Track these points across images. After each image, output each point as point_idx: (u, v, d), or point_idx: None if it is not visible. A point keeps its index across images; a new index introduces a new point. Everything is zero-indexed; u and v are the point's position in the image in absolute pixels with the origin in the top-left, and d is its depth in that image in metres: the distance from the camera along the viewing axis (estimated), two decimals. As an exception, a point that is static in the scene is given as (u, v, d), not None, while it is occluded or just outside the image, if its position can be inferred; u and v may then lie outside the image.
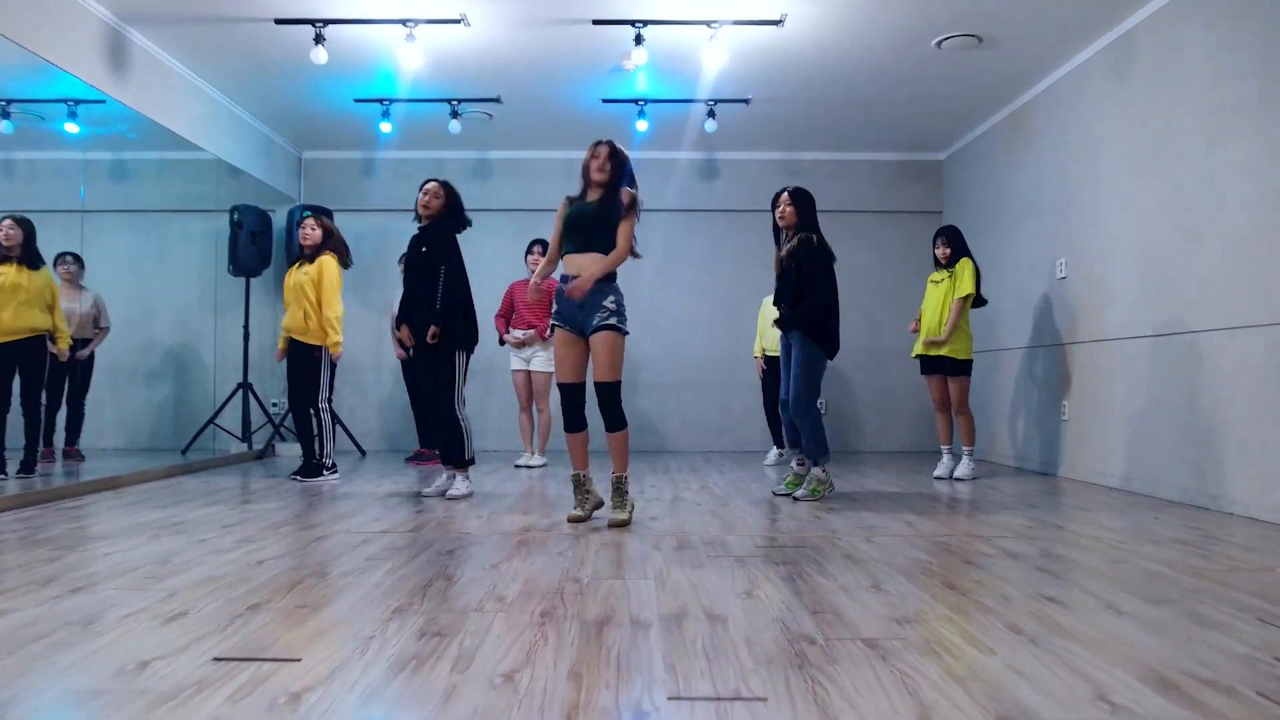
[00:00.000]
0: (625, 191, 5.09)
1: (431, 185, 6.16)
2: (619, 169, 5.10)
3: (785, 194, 6.22)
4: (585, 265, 4.98)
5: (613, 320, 4.98)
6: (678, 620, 3.01)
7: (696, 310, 10.47)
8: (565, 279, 5.05)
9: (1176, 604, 3.26)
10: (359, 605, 3.17)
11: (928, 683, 2.38)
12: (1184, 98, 6.13)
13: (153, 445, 9.40)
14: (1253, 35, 5.48)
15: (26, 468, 6.45)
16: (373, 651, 2.63)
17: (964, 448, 7.34)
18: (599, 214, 5.04)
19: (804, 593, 3.41)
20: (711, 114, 8.64)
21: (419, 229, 6.19)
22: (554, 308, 5.13)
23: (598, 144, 5.14)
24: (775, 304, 6.24)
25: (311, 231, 7.04)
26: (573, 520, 5.09)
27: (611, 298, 5.01)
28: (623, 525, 4.93)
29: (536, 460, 8.30)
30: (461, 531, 4.78)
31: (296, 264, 7.17)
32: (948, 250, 7.26)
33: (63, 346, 6.65)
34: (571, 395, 5.08)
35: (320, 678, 2.40)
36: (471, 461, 6.24)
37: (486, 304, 10.11)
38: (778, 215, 6.20)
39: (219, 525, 4.91)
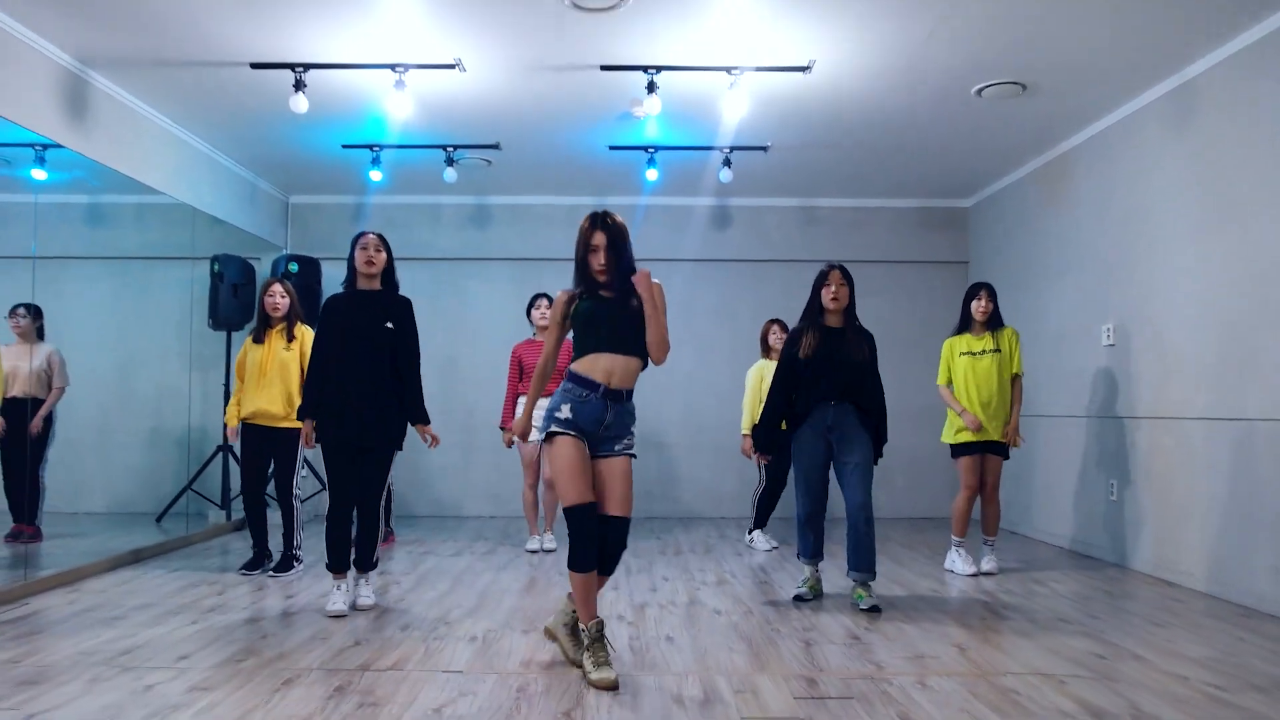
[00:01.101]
0: (643, 275, 4.23)
1: (372, 238, 5.23)
2: (622, 256, 4.22)
3: (837, 272, 5.58)
4: (625, 377, 4.17)
5: (634, 447, 4.24)
6: None
7: (710, 368, 9.84)
8: (583, 380, 4.13)
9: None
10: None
11: None
12: (1258, 151, 5.52)
13: (129, 509, 8.80)
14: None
15: None
16: None
17: (992, 538, 6.67)
18: (631, 311, 4.18)
19: (869, 801, 2.76)
20: (727, 162, 8.02)
21: (353, 291, 5.24)
22: (560, 412, 4.12)
23: (593, 229, 4.21)
24: (822, 396, 5.45)
25: (282, 300, 6.38)
26: (604, 686, 3.89)
27: (634, 420, 4.27)
28: (615, 687, 3.89)
29: (550, 542, 7.50)
30: (450, 670, 4.12)
31: (263, 335, 6.41)
32: (990, 307, 6.57)
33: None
34: (590, 519, 4.03)
35: None
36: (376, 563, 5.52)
37: (481, 364, 9.53)
38: (829, 297, 5.51)
39: (173, 658, 4.26)
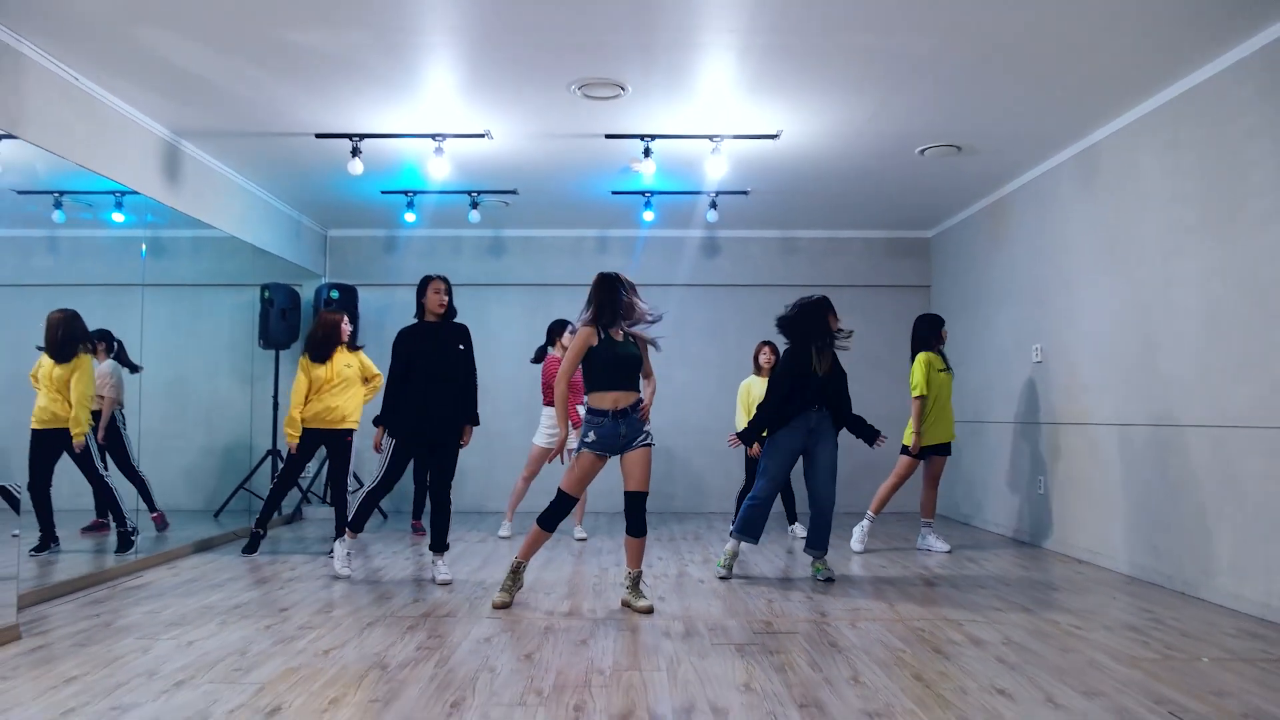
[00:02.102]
0: (642, 333, 5.79)
1: (440, 283, 6.62)
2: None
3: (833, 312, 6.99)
4: (627, 400, 5.62)
5: (650, 439, 5.69)
6: (688, 714, 3.63)
7: (701, 380, 11.10)
8: (596, 411, 5.62)
9: (1107, 697, 3.89)
10: (422, 699, 3.79)
11: (888, 778, 3.01)
12: (1142, 211, 6.80)
13: (188, 507, 10.00)
14: (1200, 163, 6.15)
15: (41, 546, 6.76)
16: (443, 749, 3.25)
17: (932, 521, 8.08)
18: (638, 358, 5.72)
19: (793, 685, 4.04)
20: (714, 205, 9.32)
21: (424, 323, 6.59)
22: (588, 436, 5.59)
23: (622, 287, 5.79)
24: (809, 403, 6.66)
25: (347, 327, 7.62)
26: (500, 606, 5.60)
27: (646, 422, 5.71)
28: (650, 611, 5.52)
29: (580, 533, 8.79)
30: (493, 617, 5.39)
31: (327, 356, 7.53)
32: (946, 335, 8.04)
33: (74, 433, 6.83)
34: (569, 506, 5.68)
35: (406, 774, 3.02)
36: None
37: (500, 378, 10.81)
38: (833, 323, 6.89)
39: (276, 609, 5.53)
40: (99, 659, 4.41)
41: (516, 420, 10.76)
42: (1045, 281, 8.30)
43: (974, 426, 9.74)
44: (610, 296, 5.69)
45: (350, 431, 7.50)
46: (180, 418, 10.04)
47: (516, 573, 5.77)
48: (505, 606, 5.61)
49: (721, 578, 6.69)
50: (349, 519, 6.67)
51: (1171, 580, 6.34)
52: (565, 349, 8.46)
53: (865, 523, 8.08)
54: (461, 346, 6.62)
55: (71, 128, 6.31)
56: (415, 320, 6.66)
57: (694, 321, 11.27)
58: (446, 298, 6.61)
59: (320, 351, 7.50)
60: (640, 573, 5.74)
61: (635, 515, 5.64)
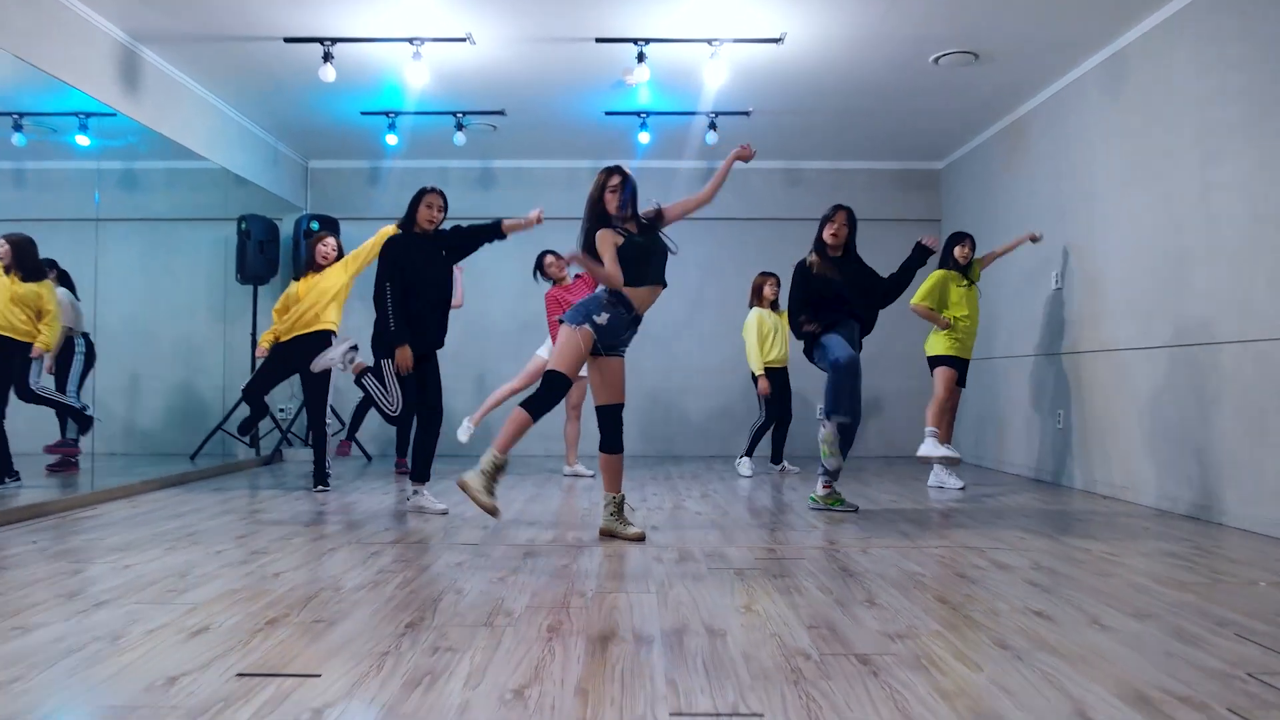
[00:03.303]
0: (649, 212, 5.41)
1: (437, 198, 6.05)
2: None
3: (844, 213, 6.48)
4: (653, 298, 5.15)
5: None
6: (679, 635, 3.14)
7: (698, 319, 10.60)
8: (627, 304, 5.03)
9: (1159, 619, 3.39)
10: (373, 620, 3.30)
11: (916, 699, 2.52)
12: (1176, 115, 6.26)
13: (162, 450, 9.54)
14: (1242, 56, 5.61)
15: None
16: (389, 667, 2.76)
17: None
18: (663, 246, 5.31)
19: (800, 607, 3.55)
20: (713, 126, 8.77)
21: (413, 236, 6.00)
22: (598, 316, 4.97)
23: (610, 174, 5.29)
24: (842, 308, 6.25)
25: (332, 252, 7.31)
26: (462, 486, 4.88)
27: None
28: (641, 539, 5.02)
29: (584, 469, 8.32)
30: (468, 543, 4.91)
31: (305, 276, 7.31)
32: (969, 253, 7.49)
33: (39, 345, 6.84)
34: (564, 389, 5.01)
35: (340, 693, 2.54)
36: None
37: (490, 316, 10.30)
38: (830, 234, 6.39)
39: (232, 537, 5.05)
40: (18, 581, 3.91)
41: (508, 362, 10.21)
42: (1066, 204, 7.77)
43: (986, 363, 9.22)
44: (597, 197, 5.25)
45: (329, 334, 7.14)
46: (153, 357, 9.59)
47: (498, 469, 4.90)
48: (495, 512, 4.90)
49: (816, 508, 6.24)
50: (410, 465, 6.26)
51: (1208, 512, 5.85)
52: (556, 278, 7.95)
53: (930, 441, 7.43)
54: (444, 252, 6.10)
55: (11, 19, 5.76)
56: (400, 229, 6.08)
57: (690, 256, 10.67)
58: (441, 215, 6.06)
59: (300, 270, 7.35)
60: (624, 496, 5.24)
61: (616, 428, 5.12)
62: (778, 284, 8.47)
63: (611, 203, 5.14)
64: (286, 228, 10.24)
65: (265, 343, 7.41)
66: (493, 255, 10.49)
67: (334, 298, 7.21)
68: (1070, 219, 7.69)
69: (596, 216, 5.14)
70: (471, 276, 10.49)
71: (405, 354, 5.84)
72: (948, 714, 2.41)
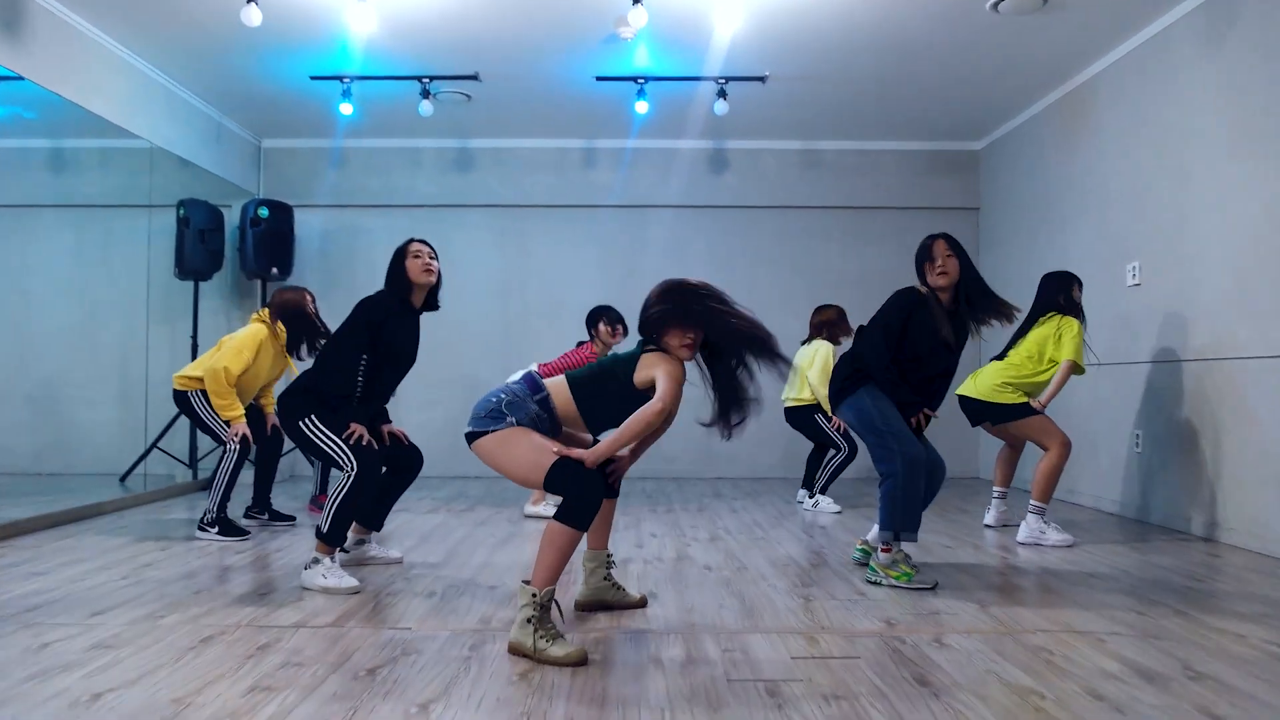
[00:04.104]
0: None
1: (425, 247, 4.61)
2: None
3: (943, 242, 4.62)
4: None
5: None
6: None
7: (704, 320, 9.30)
8: (556, 421, 3.58)
9: None
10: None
11: None
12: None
13: (90, 470, 8.30)
14: None
15: None
16: None
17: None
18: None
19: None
20: (722, 94, 7.47)
21: (405, 307, 4.62)
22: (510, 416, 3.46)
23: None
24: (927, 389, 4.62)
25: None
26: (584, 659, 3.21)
27: None
28: (643, 604, 3.92)
29: (548, 509, 6.81)
30: (399, 627, 3.60)
31: (272, 327, 5.93)
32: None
33: None
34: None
35: None
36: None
37: (464, 317, 8.97)
38: (937, 272, 4.58)
39: (84, 614, 3.74)
40: None
41: (486, 366, 8.94)
42: (1145, 183, 6.47)
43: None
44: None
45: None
46: (80, 363, 8.37)
47: (545, 609, 3.25)
48: (584, 658, 3.18)
49: (874, 582, 4.47)
50: (324, 530, 4.37)
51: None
52: (605, 345, 6.46)
53: (1037, 520, 5.66)
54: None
55: None
56: (384, 292, 4.61)
57: (695, 249, 9.42)
58: (435, 263, 4.62)
59: (293, 342, 5.90)
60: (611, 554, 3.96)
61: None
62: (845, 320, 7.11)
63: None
64: (233, 215, 8.93)
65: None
66: (471, 251, 9.26)
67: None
68: (1152, 202, 6.38)
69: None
70: (447, 273, 9.22)
71: (359, 429, 4.46)
72: None
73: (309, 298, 5.90)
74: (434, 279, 4.61)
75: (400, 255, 4.58)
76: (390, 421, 4.87)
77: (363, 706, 2.70)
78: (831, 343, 7.05)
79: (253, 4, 5.67)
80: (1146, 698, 2.84)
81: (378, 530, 4.90)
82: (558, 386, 3.54)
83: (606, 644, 3.40)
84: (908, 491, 4.38)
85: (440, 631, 3.54)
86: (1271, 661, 3.21)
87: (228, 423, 5.59)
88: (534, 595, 3.21)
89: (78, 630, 3.49)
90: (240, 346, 5.67)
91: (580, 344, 6.43)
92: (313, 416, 4.39)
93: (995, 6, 6.05)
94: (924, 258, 4.60)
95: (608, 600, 3.89)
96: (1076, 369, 5.66)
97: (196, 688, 2.85)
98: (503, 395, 3.45)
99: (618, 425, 3.45)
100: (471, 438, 3.43)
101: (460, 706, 2.72)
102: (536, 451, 3.30)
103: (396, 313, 4.55)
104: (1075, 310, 5.80)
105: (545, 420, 3.47)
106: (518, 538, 5.70)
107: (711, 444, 9.09)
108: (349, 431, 4.37)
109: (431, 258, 4.59)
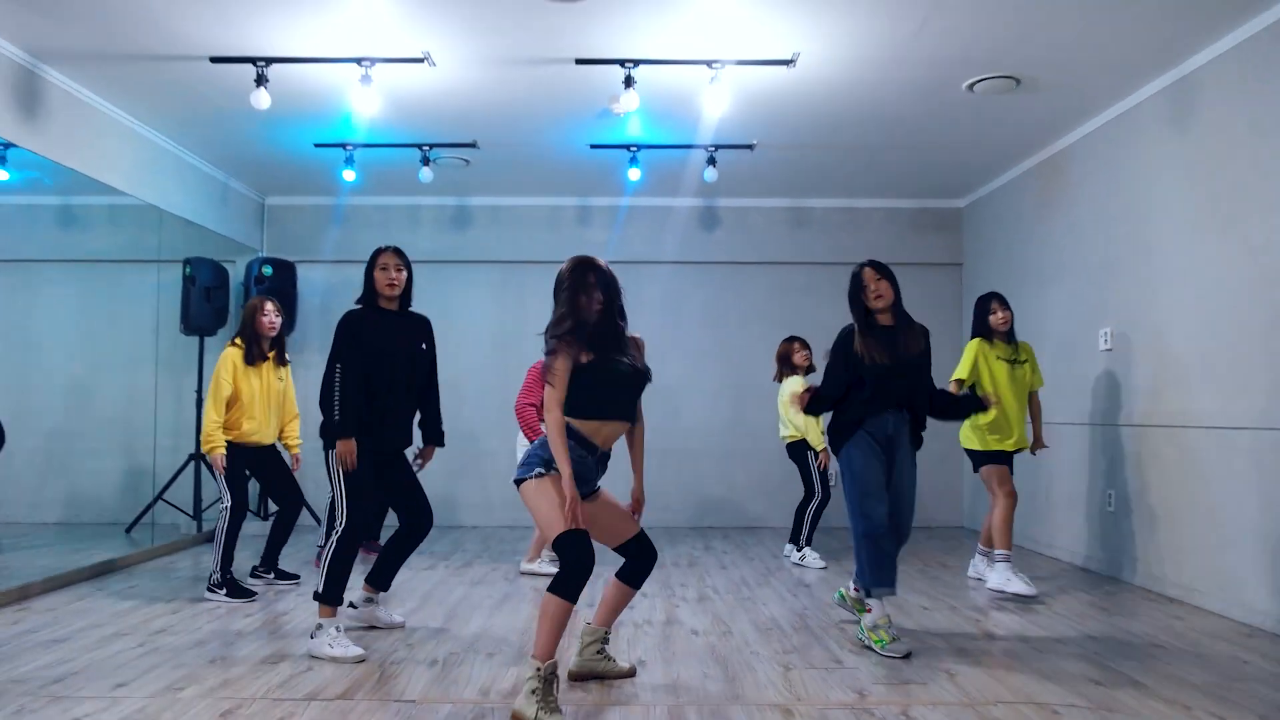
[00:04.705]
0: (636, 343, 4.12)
1: (392, 259, 4.94)
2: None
3: (871, 269, 4.96)
4: (617, 433, 4.00)
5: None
6: None
7: (697, 372, 9.55)
8: (584, 442, 3.88)
9: None
10: None
11: None
12: (1261, 150, 5.26)
13: (98, 519, 8.54)
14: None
15: None
16: None
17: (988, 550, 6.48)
18: (637, 373, 4.02)
19: None
20: (712, 161, 7.76)
21: (376, 310, 4.91)
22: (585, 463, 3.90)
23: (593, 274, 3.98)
24: (885, 404, 4.88)
25: (277, 318, 6.10)
26: None
27: None
28: (632, 674, 4.21)
29: (550, 566, 6.87)
30: (405, 700, 3.85)
31: (254, 359, 6.05)
32: (1009, 317, 6.29)
33: None
34: (588, 545, 3.70)
35: None
36: None
37: (464, 371, 9.23)
38: (872, 297, 4.92)
39: (109, 686, 3.99)
40: None
41: (484, 419, 9.21)
42: (1116, 252, 6.75)
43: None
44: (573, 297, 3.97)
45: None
46: (88, 416, 8.62)
47: (548, 682, 3.58)
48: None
49: (868, 647, 4.74)
50: (321, 591, 4.62)
51: (1315, 635, 4.80)
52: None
53: (1004, 567, 6.06)
54: (424, 345, 5.07)
55: None
56: (360, 304, 4.93)
57: (689, 304, 9.70)
58: (400, 275, 4.92)
59: (249, 351, 6.03)
60: (609, 631, 4.22)
61: (645, 560, 4.07)
62: (806, 347, 7.36)
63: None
64: (238, 272, 9.21)
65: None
66: (469, 305, 9.53)
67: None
68: (1122, 269, 6.66)
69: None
70: (436, 322, 9.49)
71: (349, 448, 4.68)
72: None
73: (263, 304, 6.07)
74: (397, 291, 4.91)
75: (370, 265, 4.95)
76: (412, 474, 5.15)
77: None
78: (791, 375, 7.35)
79: (262, 89, 5.94)
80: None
81: (385, 590, 5.14)
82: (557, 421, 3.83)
83: (598, 716, 3.64)
84: (869, 552, 4.73)
85: (443, 704, 3.78)
86: (1214, 736, 3.47)
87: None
88: (538, 669, 3.50)
89: (105, 704, 3.74)
90: (215, 376, 5.88)
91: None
92: (330, 450, 4.70)
93: (971, 87, 6.35)
94: (857, 288, 4.94)
95: (598, 671, 4.14)
96: (960, 385, 6.10)
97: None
98: (539, 445, 3.86)
99: (603, 409, 3.90)
100: (517, 483, 3.84)
101: (461, 787, 2.96)
102: (553, 511, 3.67)
103: (371, 319, 4.84)
104: (983, 330, 6.24)
105: (581, 453, 3.84)
106: (514, 598, 5.93)
107: (703, 493, 9.38)
108: (337, 454, 4.63)
109: (398, 269, 4.91)
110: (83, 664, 4.32)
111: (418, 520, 5.10)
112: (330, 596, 4.57)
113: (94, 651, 4.54)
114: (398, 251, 4.98)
